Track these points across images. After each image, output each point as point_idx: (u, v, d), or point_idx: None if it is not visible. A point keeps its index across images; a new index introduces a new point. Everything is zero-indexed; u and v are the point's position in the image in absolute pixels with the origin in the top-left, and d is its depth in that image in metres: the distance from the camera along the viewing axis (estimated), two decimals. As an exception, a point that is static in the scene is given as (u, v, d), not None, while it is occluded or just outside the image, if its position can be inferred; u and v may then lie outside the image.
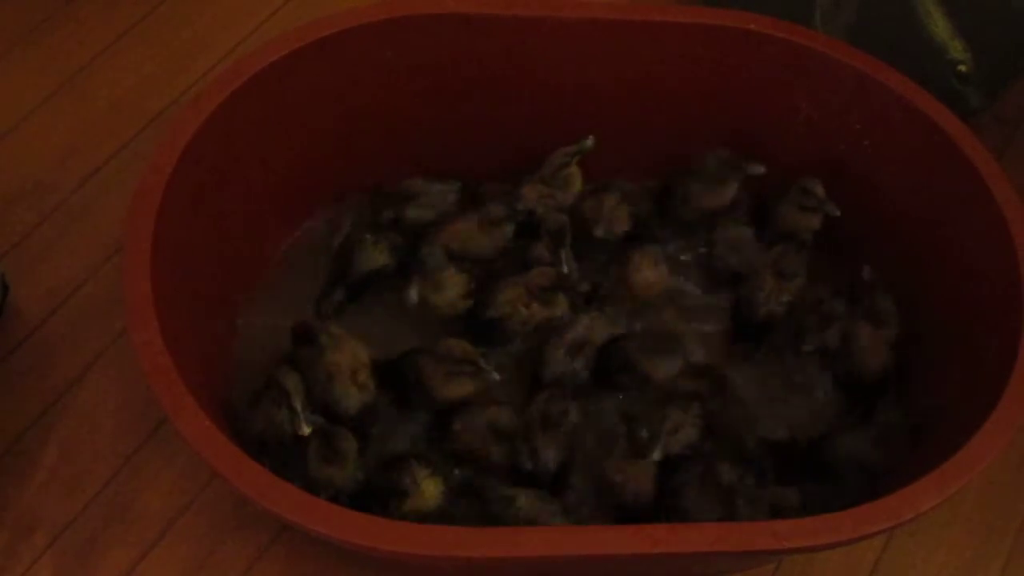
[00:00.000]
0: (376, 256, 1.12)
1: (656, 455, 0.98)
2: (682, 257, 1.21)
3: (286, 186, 1.14)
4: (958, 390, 1.02)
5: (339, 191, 1.18)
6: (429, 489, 0.97)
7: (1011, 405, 0.91)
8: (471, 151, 1.20)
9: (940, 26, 1.25)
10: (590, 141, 1.13)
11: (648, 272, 1.13)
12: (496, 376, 1.02)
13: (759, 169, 1.14)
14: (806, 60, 1.13)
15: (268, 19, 1.44)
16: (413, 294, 1.10)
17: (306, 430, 0.94)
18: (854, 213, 1.18)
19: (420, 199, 1.16)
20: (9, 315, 1.17)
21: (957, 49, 1.26)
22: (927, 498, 0.86)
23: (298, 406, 0.95)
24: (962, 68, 1.26)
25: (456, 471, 1.03)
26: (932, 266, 1.11)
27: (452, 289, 1.10)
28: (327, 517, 0.82)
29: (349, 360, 1.02)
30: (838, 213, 1.14)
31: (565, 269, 1.09)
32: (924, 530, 1.12)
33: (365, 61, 1.10)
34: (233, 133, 1.04)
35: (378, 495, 0.98)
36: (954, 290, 1.08)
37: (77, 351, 1.16)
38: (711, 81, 1.17)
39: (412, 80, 1.14)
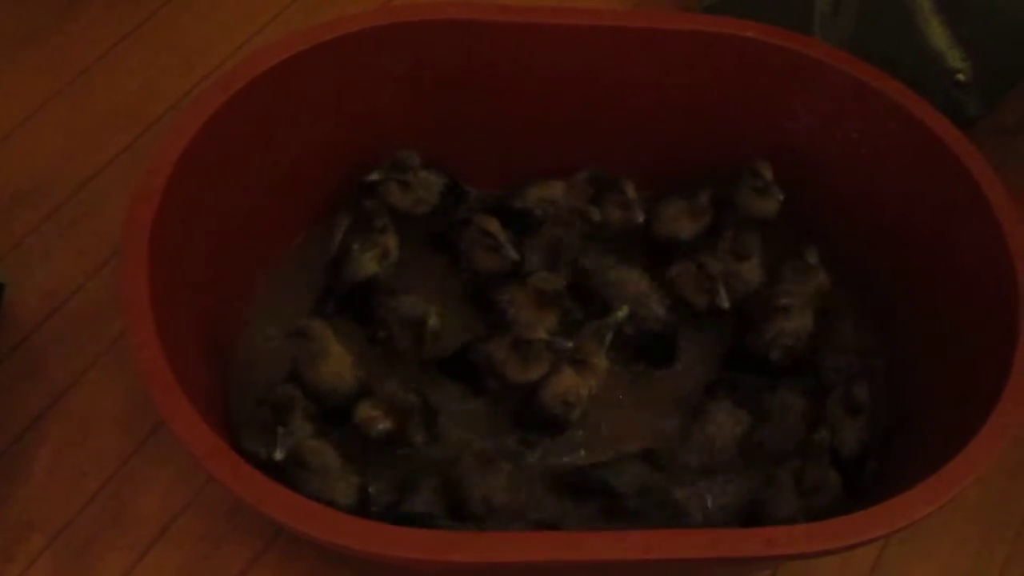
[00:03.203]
0: (366, 265, 1.12)
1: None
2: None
3: (284, 190, 1.14)
4: (953, 397, 1.02)
5: (337, 196, 1.18)
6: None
7: (1006, 413, 0.91)
8: (469, 157, 1.20)
9: (938, 35, 1.25)
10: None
11: None
12: (568, 345, 1.04)
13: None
14: (804, 68, 1.13)
15: (268, 24, 1.45)
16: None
17: (278, 456, 0.94)
18: (850, 221, 1.18)
19: (409, 182, 1.15)
20: (6, 317, 1.17)
21: (955, 58, 1.26)
22: (922, 506, 0.86)
23: (280, 431, 0.95)
24: (960, 77, 1.26)
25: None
26: (929, 274, 1.11)
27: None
28: (320, 521, 0.82)
29: (338, 349, 1.03)
30: (781, 197, 1.15)
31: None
32: (920, 537, 1.12)
33: (364, 66, 1.10)
34: (232, 137, 1.04)
35: None
36: (950, 298, 1.07)
37: (74, 354, 1.16)
38: (710, 88, 1.17)
39: (411, 86, 1.14)
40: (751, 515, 1.05)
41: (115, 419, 1.12)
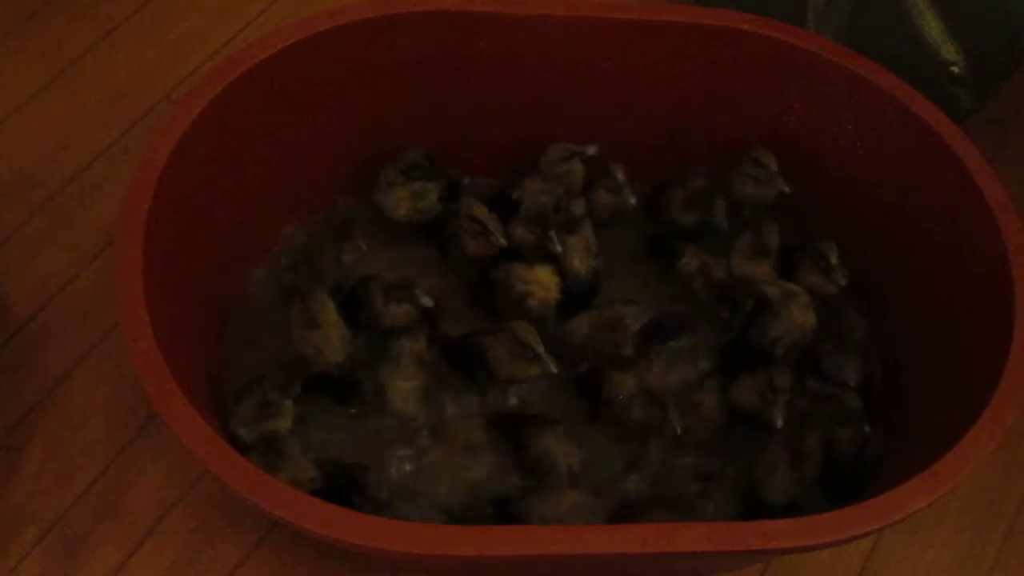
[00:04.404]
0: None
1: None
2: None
3: (278, 182, 1.14)
4: (948, 391, 1.02)
5: (333, 188, 1.17)
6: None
7: (1001, 406, 0.91)
8: (462, 148, 1.20)
9: (933, 27, 1.25)
10: (593, 149, 1.14)
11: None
12: (554, 369, 1.03)
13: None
14: (799, 60, 1.13)
15: (260, 14, 1.44)
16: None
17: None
18: (845, 214, 1.18)
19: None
20: (-2, 310, 1.17)
21: (949, 51, 1.26)
22: (917, 499, 0.86)
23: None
24: (954, 69, 1.26)
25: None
26: (923, 268, 1.11)
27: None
28: (315, 514, 0.81)
29: (333, 317, 1.04)
30: (787, 189, 1.15)
31: (558, 249, 1.10)
32: (913, 530, 1.12)
33: (357, 58, 1.10)
34: (226, 129, 1.04)
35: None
36: (945, 292, 1.08)
37: (67, 346, 1.15)
38: (703, 81, 1.17)
39: (404, 77, 1.14)
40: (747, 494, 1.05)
41: (108, 412, 1.12)
